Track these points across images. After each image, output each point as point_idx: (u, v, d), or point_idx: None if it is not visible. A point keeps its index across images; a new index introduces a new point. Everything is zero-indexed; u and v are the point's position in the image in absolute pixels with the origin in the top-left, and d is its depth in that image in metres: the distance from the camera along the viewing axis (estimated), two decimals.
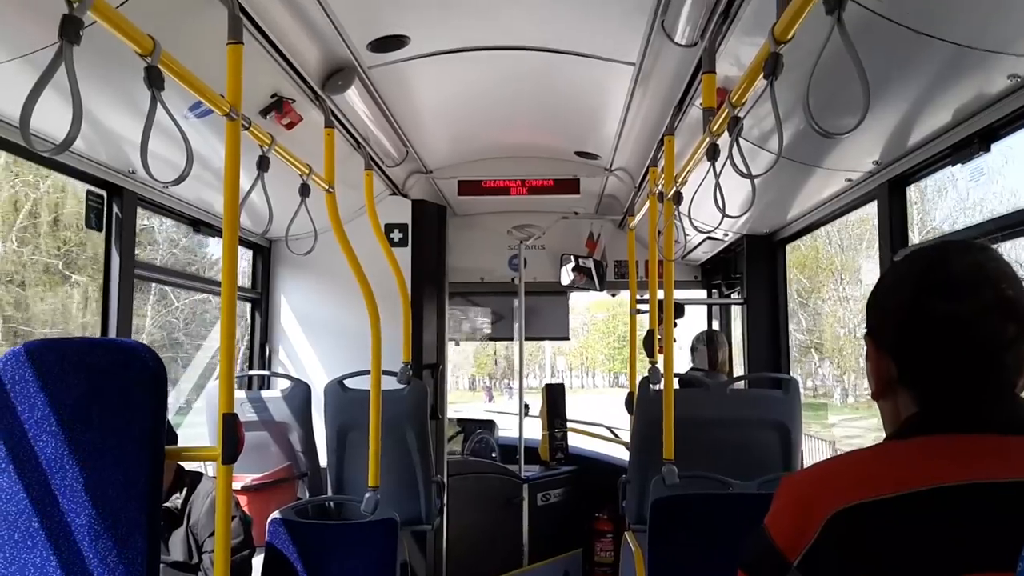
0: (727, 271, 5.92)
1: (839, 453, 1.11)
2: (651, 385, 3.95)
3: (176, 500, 3.15)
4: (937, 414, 1.12)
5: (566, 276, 6.14)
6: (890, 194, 3.34)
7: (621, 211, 5.92)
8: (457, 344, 7.08)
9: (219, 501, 2.26)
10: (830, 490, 1.06)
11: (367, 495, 3.46)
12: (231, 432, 2.24)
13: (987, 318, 1.09)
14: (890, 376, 1.17)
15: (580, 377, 65.85)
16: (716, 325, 6.33)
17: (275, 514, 3.44)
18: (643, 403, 3.93)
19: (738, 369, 5.74)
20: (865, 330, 1.22)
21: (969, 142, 2.76)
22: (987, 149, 2.70)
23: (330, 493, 4.47)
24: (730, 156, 2.29)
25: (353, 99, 3.63)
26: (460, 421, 6.77)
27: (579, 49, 3.49)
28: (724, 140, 2.61)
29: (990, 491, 1.01)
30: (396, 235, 5.11)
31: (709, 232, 4.14)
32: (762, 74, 2.01)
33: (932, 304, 1.12)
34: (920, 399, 1.15)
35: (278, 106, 3.31)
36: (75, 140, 1.68)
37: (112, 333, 3.46)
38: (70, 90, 1.67)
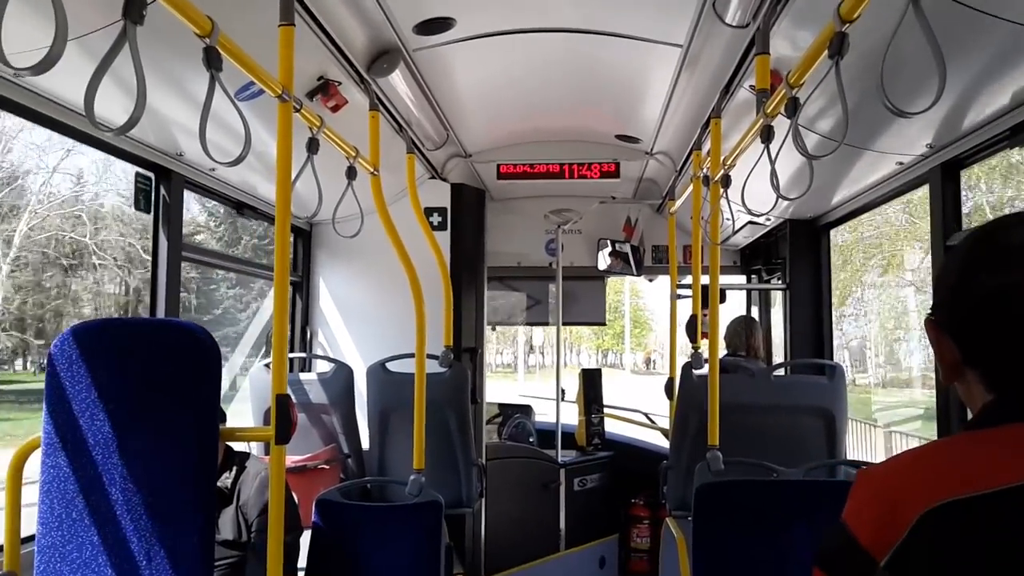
0: (768, 256, 5.86)
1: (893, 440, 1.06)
2: (694, 370, 3.93)
3: (226, 480, 3.20)
4: (1013, 400, 1.06)
5: (603, 261, 6.10)
6: (943, 178, 3.28)
7: (660, 195, 5.87)
8: (494, 329, 7.09)
9: (272, 481, 2.28)
10: (918, 485, 1.01)
11: (412, 477, 3.48)
12: (284, 413, 2.25)
13: None
14: (954, 359, 1.13)
15: (564, 354, 61.65)
16: (755, 311, 6.28)
17: (321, 495, 3.47)
18: (685, 388, 3.91)
19: (779, 356, 5.69)
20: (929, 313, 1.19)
21: None
22: None
23: (373, 475, 4.51)
24: (790, 137, 2.25)
25: (397, 82, 3.64)
26: (500, 406, 6.78)
27: (625, 31, 3.46)
28: (776, 122, 2.58)
29: None
30: (435, 219, 5.11)
31: (758, 216, 4.10)
32: (826, 53, 1.97)
33: (980, 278, 1.08)
34: (990, 381, 1.10)
35: (324, 89, 3.32)
36: (139, 119, 1.69)
37: (160, 314, 3.50)
38: (134, 70, 1.69)
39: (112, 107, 2.43)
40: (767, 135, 2.57)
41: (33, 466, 2.23)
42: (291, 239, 2.81)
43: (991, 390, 1.10)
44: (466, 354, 5.17)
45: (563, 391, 6.24)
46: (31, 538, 2.19)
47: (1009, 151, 2.98)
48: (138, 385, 2.16)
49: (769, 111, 2.53)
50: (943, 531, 0.96)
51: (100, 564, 2.11)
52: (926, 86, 1.70)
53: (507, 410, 6.68)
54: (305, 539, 3.39)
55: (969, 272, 1.10)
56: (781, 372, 4.77)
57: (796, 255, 5.12)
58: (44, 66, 1.41)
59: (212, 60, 2.06)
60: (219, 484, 3.16)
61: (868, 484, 1.08)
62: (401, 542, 3.33)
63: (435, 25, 3.31)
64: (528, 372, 42.36)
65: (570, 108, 4.69)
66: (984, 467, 1.00)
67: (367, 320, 5.18)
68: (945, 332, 1.14)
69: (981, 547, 0.95)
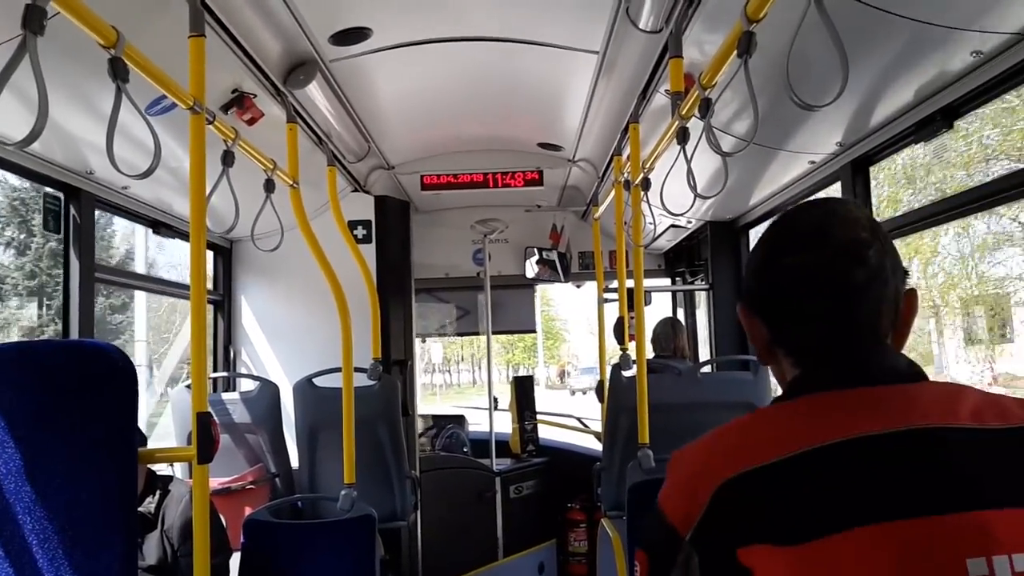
0: (690, 258, 5.97)
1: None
2: (622, 372, 3.97)
3: (149, 504, 3.09)
4: (811, 373, 1.14)
5: (530, 269, 6.14)
6: (853, 175, 3.39)
7: (584, 202, 5.94)
8: (424, 341, 7.05)
9: (196, 502, 2.21)
10: (715, 462, 1.08)
11: (343, 492, 3.42)
12: (206, 431, 2.20)
13: (832, 264, 1.10)
14: (765, 339, 1.20)
15: (470, 371, 55.74)
16: (680, 312, 6.38)
17: (250, 515, 3.39)
18: (615, 390, 3.95)
19: (704, 355, 5.80)
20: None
21: (931, 120, 2.81)
22: (950, 126, 2.75)
23: (302, 493, 4.42)
24: (703, 137, 2.30)
25: (315, 94, 3.59)
26: (433, 417, 6.74)
27: (542, 39, 3.49)
28: (691, 125, 2.63)
29: (865, 445, 1.02)
30: (360, 232, 5.05)
31: (677, 216, 4.17)
32: (735, 53, 2.02)
33: (781, 259, 1.15)
34: (795, 358, 1.17)
35: (239, 102, 3.25)
36: (42, 132, 1.63)
37: (74, 337, 3.38)
38: (36, 83, 1.62)
39: (15, 122, 2.35)
40: (683, 137, 2.62)
41: None
42: (208, 255, 2.75)
43: (796, 366, 1.17)
44: (396, 367, 5.12)
45: (495, 399, 6.24)
46: None
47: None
48: (48, 410, 2.07)
49: (684, 113, 2.58)
50: (734, 502, 1.03)
51: None
52: (833, 84, 1.75)
53: (440, 421, 6.64)
54: (234, 561, 3.31)
55: (768, 255, 1.17)
56: (708, 369, 4.86)
57: (717, 256, 5.24)
58: None
59: (118, 71, 2.00)
60: (142, 509, 3.06)
61: (676, 465, 1.14)
62: (335, 559, 3.27)
63: (351, 35, 3.28)
64: (429, 394, 39.48)
65: (492, 117, 4.70)
66: (775, 437, 1.07)
67: (293, 337, 5.09)
68: (755, 314, 1.20)
69: (768, 513, 1.00)
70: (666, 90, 3.00)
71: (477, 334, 6.82)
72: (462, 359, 54.75)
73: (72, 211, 3.40)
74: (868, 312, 1.11)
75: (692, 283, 5.97)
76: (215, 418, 4.35)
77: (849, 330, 1.11)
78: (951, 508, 0.97)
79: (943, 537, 0.96)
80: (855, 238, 1.11)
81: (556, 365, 51.99)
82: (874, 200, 3.53)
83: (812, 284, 1.12)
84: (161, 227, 4.21)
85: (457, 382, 53.83)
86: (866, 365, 1.10)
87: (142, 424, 2.67)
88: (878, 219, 1.20)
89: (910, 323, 1.16)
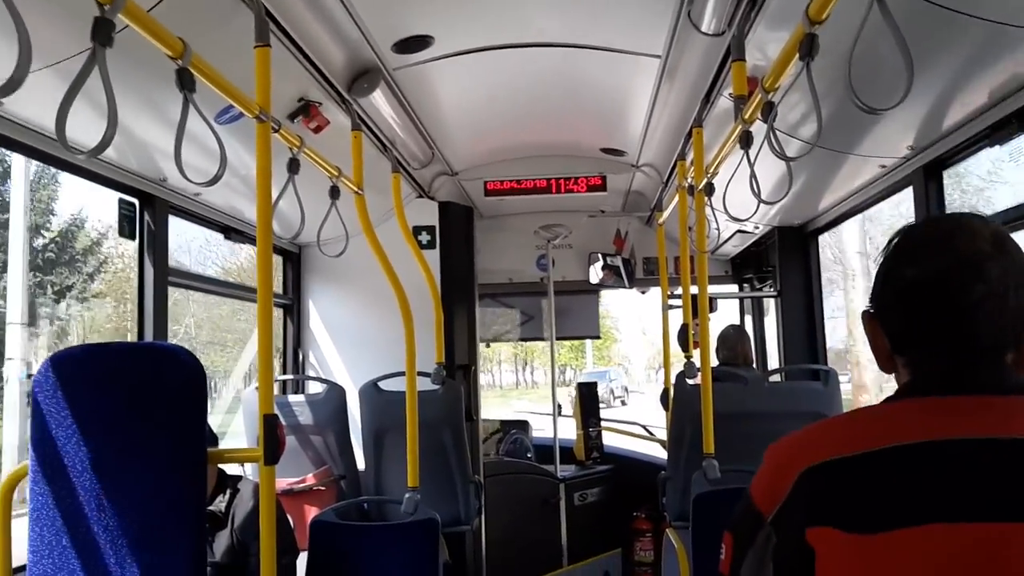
0: (758, 264, 5.86)
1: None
2: (687, 380, 3.92)
3: (220, 503, 3.17)
4: (920, 380, 1.16)
5: (595, 275, 6.11)
6: (926, 179, 3.29)
7: (648, 207, 5.89)
8: (488, 345, 7.08)
9: (263, 502, 2.26)
10: (804, 451, 1.12)
11: (407, 495, 3.46)
12: (272, 433, 2.24)
13: (949, 277, 1.11)
14: (886, 348, 1.21)
15: (514, 372, 53.71)
16: (748, 319, 6.28)
17: (316, 517, 3.45)
18: (680, 398, 3.90)
19: (773, 362, 5.69)
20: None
21: (1007, 123, 2.71)
22: None
23: (369, 496, 4.48)
24: (766, 141, 2.26)
25: (379, 101, 3.64)
26: (500, 422, 6.77)
27: (603, 44, 3.48)
28: (756, 128, 2.59)
29: (950, 448, 1.04)
30: (424, 237, 5.11)
31: (742, 222, 4.11)
32: (797, 56, 1.98)
33: (899, 271, 1.17)
34: (911, 367, 1.18)
35: (305, 110, 3.32)
36: (111, 141, 1.69)
37: (148, 339, 3.49)
38: (105, 93, 1.69)
39: (92, 132, 2.43)
40: (746, 141, 2.58)
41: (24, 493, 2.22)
42: (274, 259, 2.81)
43: (910, 374, 1.19)
44: (460, 371, 5.16)
45: (559, 406, 6.23)
46: (23, 568, 2.18)
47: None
48: (123, 410, 2.15)
49: (747, 117, 2.54)
50: (815, 487, 1.08)
51: None
52: (900, 86, 1.71)
53: (505, 426, 6.66)
54: (302, 562, 3.37)
55: (892, 264, 1.19)
56: (776, 378, 4.77)
57: (786, 262, 5.14)
58: (7, 89, 1.41)
59: (185, 81, 2.06)
60: (212, 508, 3.14)
61: (769, 455, 1.20)
62: (398, 561, 3.30)
63: (414, 43, 3.32)
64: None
65: (554, 122, 4.70)
66: (866, 433, 1.11)
67: (359, 340, 5.17)
68: (878, 323, 1.22)
69: (846, 501, 1.05)
70: (729, 94, 2.95)
71: (541, 339, 6.82)
72: (501, 360, 51.03)
73: (147, 217, 3.52)
74: (986, 326, 1.10)
75: (760, 289, 5.86)
76: (282, 420, 4.47)
77: (964, 342, 1.12)
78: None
79: (1013, 544, 0.97)
80: (976, 250, 1.11)
81: (607, 367, 49.24)
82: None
83: (929, 296, 1.13)
84: (232, 232, 4.32)
85: (499, 383, 51.57)
86: (973, 375, 1.11)
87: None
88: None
89: None
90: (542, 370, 52.38)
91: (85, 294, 16.81)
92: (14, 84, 1.43)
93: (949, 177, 3.35)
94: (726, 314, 6.27)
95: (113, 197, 3.40)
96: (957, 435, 1.05)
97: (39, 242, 15.38)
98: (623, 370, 48.04)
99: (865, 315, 1.24)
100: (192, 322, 18.26)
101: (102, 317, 17.49)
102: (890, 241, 1.22)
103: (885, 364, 1.22)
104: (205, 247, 11.24)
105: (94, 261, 17.04)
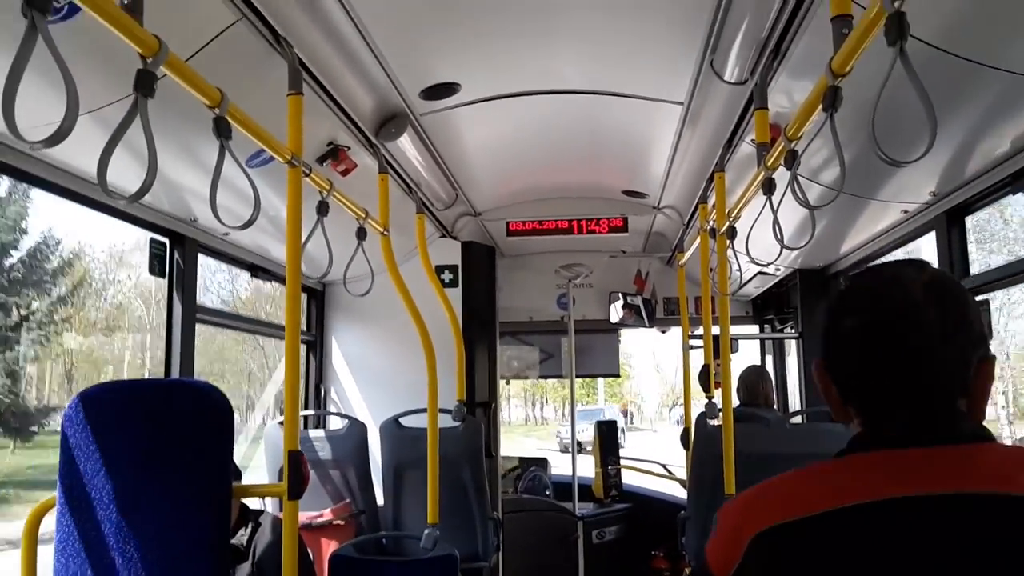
0: (779, 306, 5.86)
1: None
2: (708, 420, 3.91)
3: (242, 537, 3.19)
4: (869, 432, 1.14)
5: (615, 314, 6.13)
6: (948, 225, 3.30)
7: (669, 248, 5.91)
8: (508, 383, 7.09)
9: (285, 536, 2.28)
10: (753, 515, 1.10)
11: (426, 531, 3.47)
12: (296, 468, 2.27)
13: (889, 328, 1.11)
14: (837, 398, 1.19)
15: (523, 407, 52.23)
16: (769, 360, 6.26)
17: (335, 551, 3.46)
18: (701, 438, 3.90)
19: (793, 404, 5.66)
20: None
21: None
22: None
23: (387, 531, 4.48)
24: (789, 189, 2.29)
25: (405, 145, 3.71)
26: (519, 459, 6.77)
27: (627, 91, 3.53)
28: (778, 173, 2.62)
29: (901, 506, 1.01)
30: (446, 276, 5.16)
31: (764, 266, 4.12)
32: (820, 107, 2.01)
33: (840, 320, 1.16)
34: (862, 416, 1.16)
35: (334, 154, 3.39)
36: (151, 187, 1.74)
37: (175, 375, 3.54)
38: (146, 140, 1.75)
39: (127, 176, 2.50)
40: (769, 187, 2.61)
41: (49, 525, 2.25)
42: (303, 299, 2.85)
43: (861, 425, 1.17)
44: (480, 408, 5.17)
45: (579, 443, 6.22)
46: None
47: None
48: (150, 445, 2.18)
49: (769, 164, 2.57)
50: (769, 551, 1.06)
51: None
52: (923, 136, 1.73)
53: (523, 463, 6.65)
54: None
55: (835, 315, 1.18)
56: (797, 420, 4.75)
57: (807, 304, 5.13)
58: (56, 139, 1.46)
59: (222, 129, 2.12)
60: (234, 541, 3.16)
61: (722, 515, 1.18)
62: None
63: (441, 90, 3.39)
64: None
65: (576, 165, 4.76)
66: (819, 492, 1.08)
67: (380, 377, 5.21)
68: (828, 372, 1.20)
69: (800, 566, 1.03)
70: (752, 140, 2.99)
71: (561, 376, 6.83)
72: (510, 395, 47.56)
73: (176, 256, 3.59)
74: (927, 375, 1.10)
75: (781, 330, 5.85)
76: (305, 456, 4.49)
77: (910, 392, 1.10)
78: None
79: None
80: (909, 301, 1.10)
81: (619, 404, 47.17)
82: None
83: (868, 345, 1.12)
84: (259, 271, 4.39)
85: (508, 419, 49.47)
86: (925, 426, 1.09)
87: None
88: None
89: (984, 392, 1.12)
90: (552, 406, 51.91)
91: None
92: (62, 134, 1.49)
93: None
94: (746, 355, 6.26)
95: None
96: (907, 492, 1.02)
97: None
98: (635, 407, 46.85)
99: (816, 366, 1.23)
100: None
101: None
102: (831, 294, 1.22)
103: (839, 414, 1.21)
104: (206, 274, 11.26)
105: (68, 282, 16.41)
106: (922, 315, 1.09)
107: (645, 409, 51.72)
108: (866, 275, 1.23)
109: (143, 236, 3.49)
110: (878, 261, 4.58)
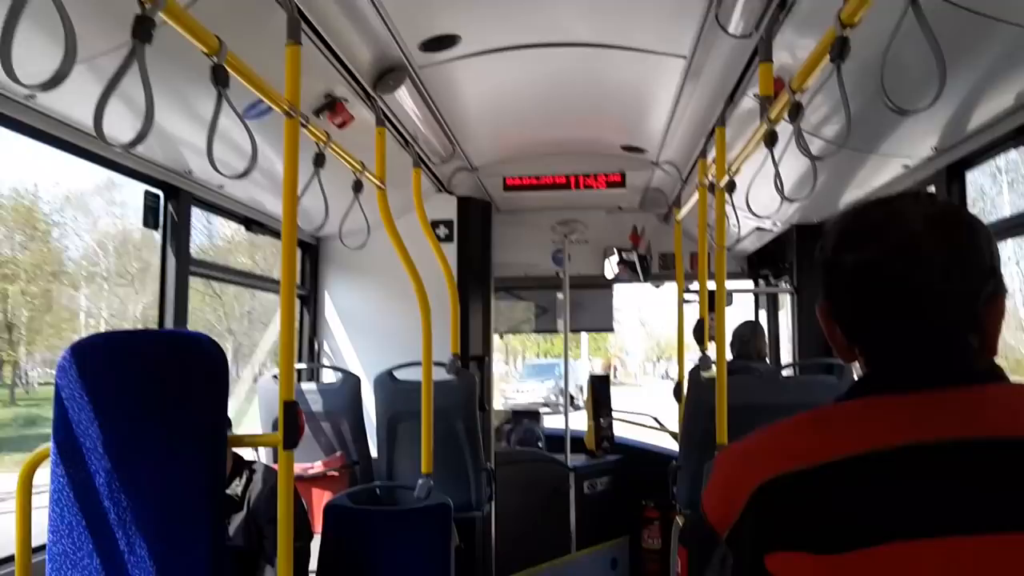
0: (775, 261, 5.86)
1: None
2: (702, 372, 3.94)
3: (236, 487, 3.21)
4: (875, 374, 1.09)
5: (610, 269, 6.13)
6: (948, 180, 3.29)
7: (666, 204, 5.89)
8: (502, 337, 7.11)
9: (280, 486, 2.29)
10: (757, 463, 1.04)
11: (420, 481, 3.50)
12: (292, 419, 2.28)
13: (893, 262, 1.05)
14: (842, 339, 1.14)
15: (504, 362, 45.22)
16: (763, 314, 6.29)
17: (330, 501, 3.49)
18: (694, 390, 3.93)
19: (786, 358, 5.70)
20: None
21: None
22: None
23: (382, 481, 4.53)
24: (795, 140, 2.27)
25: (403, 98, 3.67)
26: (512, 412, 6.82)
27: (629, 43, 3.48)
28: (780, 128, 2.60)
29: (914, 454, 0.96)
30: (442, 231, 5.15)
31: (762, 220, 4.11)
32: (827, 58, 1.99)
33: (840, 257, 1.10)
34: (867, 356, 1.12)
35: (331, 106, 3.35)
36: (147, 135, 1.72)
37: (168, 327, 3.54)
38: (143, 88, 1.72)
39: (121, 126, 2.46)
40: (771, 140, 2.59)
41: (43, 476, 2.26)
42: (298, 252, 2.84)
43: (867, 365, 1.12)
44: (474, 362, 5.19)
45: (572, 397, 6.27)
46: (42, 547, 2.22)
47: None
48: (144, 395, 2.19)
49: (773, 116, 2.55)
50: (768, 506, 1.00)
51: (111, 571, 2.13)
52: (929, 88, 1.71)
53: (516, 416, 6.71)
54: (315, 545, 3.41)
55: (836, 251, 1.11)
56: (789, 372, 4.79)
57: (804, 259, 5.13)
58: (53, 83, 1.45)
59: (219, 78, 2.09)
60: (229, 491, 3.18)
61: (718, 464, 1.13)
62: (410, 545, 3.34)
63: (440, 42, 3.34)
64: None
65: (576, 120, 4.71)
66: (819, 441, 1.02)
67: (374, 331, 5.21)
68: (831, 313, 1.14)
69: (804, 518, 0.97)
70: (755, 94, 2.96)
71: (555, 331, 6.85)
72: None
73: (170, 208, 3.56)
74: (934, 313, 1.04)
75: (776, 285, 5.87)
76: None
77: (917, 329, 1.05)
78: (999, 527, 0.91)
79: (990, 558, 0.90)
80: (908, 235, 1.05)
81: (602, 359, 44.07)
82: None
83: (871, 282, 1.07)
84: (253, 224, 4.36)
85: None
86: (934, 366, 1.04)
87: None
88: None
89: (996, 327, 1.07)
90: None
91: None
92: (60, 77, 1.47)
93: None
94: (739, 310, 6.28)
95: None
96: (919, 439, 0.97)
97: None
98: (619, 361, 45.71)
99: (818, 308, 1.16)
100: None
101: None
102: (829, 227, 1.15)
103: (845, 355, 1.15)
104: None
105: None
106: (923, 250, 1.04)
107: (629, 364, 51.55)
108: (869, 207, 1.14)
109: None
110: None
